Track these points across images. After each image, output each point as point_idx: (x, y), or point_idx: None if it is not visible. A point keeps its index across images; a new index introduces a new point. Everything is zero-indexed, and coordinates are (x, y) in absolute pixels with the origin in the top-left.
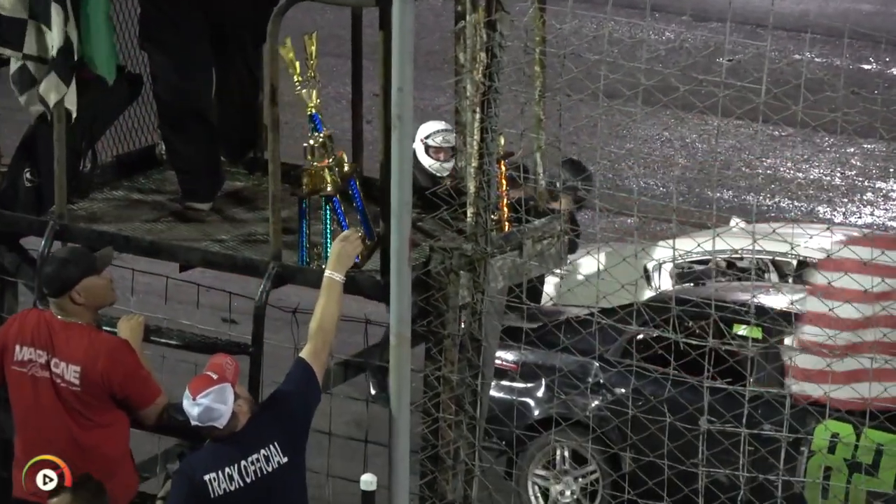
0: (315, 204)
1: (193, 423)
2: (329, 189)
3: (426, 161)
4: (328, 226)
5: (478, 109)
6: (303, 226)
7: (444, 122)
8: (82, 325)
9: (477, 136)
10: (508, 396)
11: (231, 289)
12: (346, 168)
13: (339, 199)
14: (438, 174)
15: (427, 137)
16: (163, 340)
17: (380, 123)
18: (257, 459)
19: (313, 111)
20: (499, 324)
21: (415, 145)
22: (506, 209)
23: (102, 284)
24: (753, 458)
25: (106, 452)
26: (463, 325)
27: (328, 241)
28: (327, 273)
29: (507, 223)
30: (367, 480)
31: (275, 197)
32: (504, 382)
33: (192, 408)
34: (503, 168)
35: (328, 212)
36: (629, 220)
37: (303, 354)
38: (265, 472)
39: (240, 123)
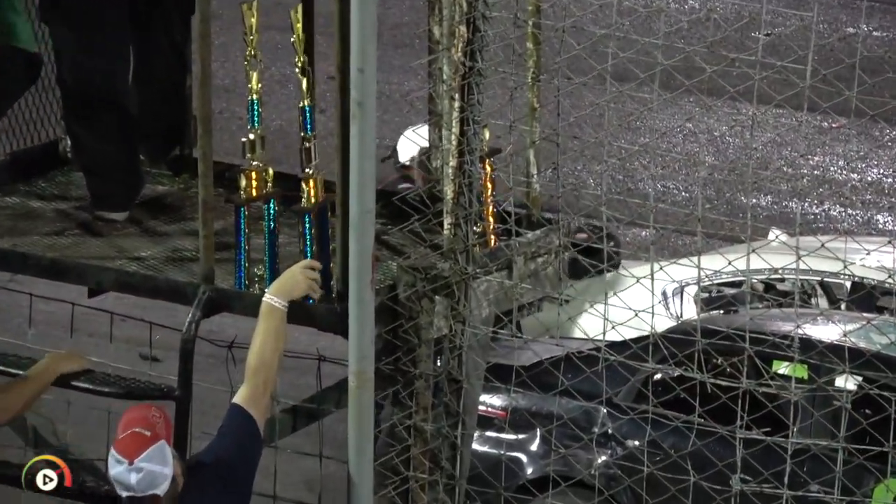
0: (255, 213)
1: (128, 494)
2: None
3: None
4: (310, 246)
5: (457, 96)
6: (241, 240)
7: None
8: None
9: (456, 129)
10: (495, 451)
11: (152, 318)
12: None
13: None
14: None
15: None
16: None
17: (336, 113)
18: None
19: (254, 98)
20: (483, 361)
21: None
22: (492, 219)
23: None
24: None
25: None
26: (439, 363)
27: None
28: (267, 297)
29: (493, 236)
30: None
31: (206, 204)
32: (490, 433)
33: (130, 475)
34: (489, 168)
35: (308, 226)
36: (644, 233)
37: (239, 400)
38: None
39: (163, 114)
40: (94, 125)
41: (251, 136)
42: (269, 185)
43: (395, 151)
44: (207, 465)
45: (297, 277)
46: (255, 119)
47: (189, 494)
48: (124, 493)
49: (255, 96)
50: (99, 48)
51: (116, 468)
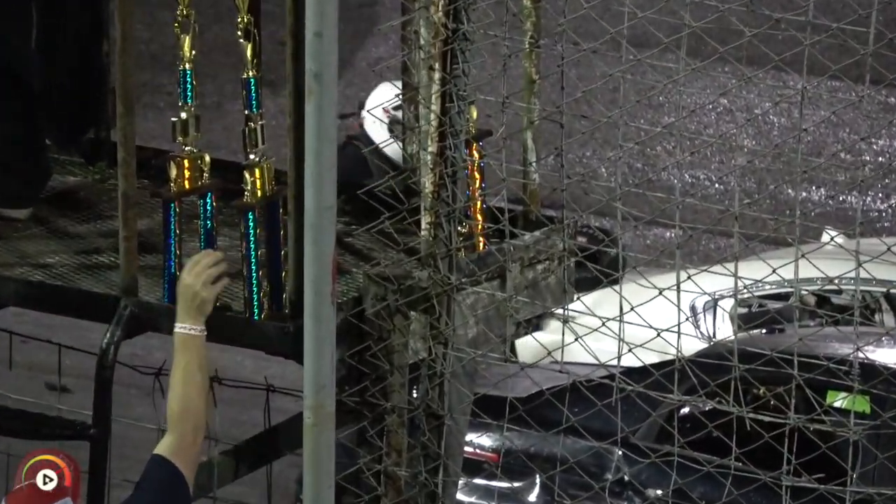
0: (189, 210)
1: None
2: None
3: (384, 139)
4: (253, 247)
5: (437, 65)
6: (170, 243)
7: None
8: None
9: (436, 107)
10: (485, 502)
11: (61, 340)
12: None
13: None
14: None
15: (389, 106)
16: None
17: (288, 86)
18: None
19: (186, 68)
20: (470, 392)
21: (367, 119)
22: (480, 217)
23: None
24: None
25: None
26: (415, 394)
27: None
28: (178, 328)
29: (481, 239)
30: None
31: (127, 199)
32: (478, 481)
33: None
34: (476, 155)
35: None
36: (668, 234)
37: (162, 450)
38: None
39: (73, 88)
40: None
41: (183, 115)
42: (206, 175)
43: (360, 107)
44: None
45: (197, 289)
46: (189, 94)
47: None
48: None
49: (187, 66)
50: None
51: None
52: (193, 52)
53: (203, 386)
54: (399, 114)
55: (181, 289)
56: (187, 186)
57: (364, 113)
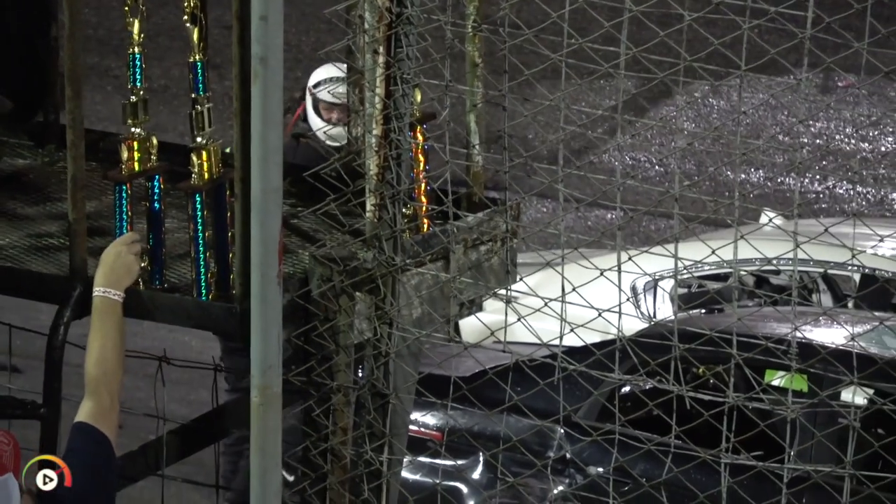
0: (138, 192)
1: None
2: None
3: (316, 122)
4: (200, 229)
5: (381, 49)
6: (122, 224)
7: (339, 67)
8: None
9: (381, 90)
10: (429, 480)
11: (11, 320)
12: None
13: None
14: (335, 142)
15: (315, 88)
16: None
17: (234, 69)
18: None
19: (136, 52)
20: (414, 371)
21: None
22: (424, 199)
23: None
24: None
25: None
26: (361, 374)
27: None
28: (98, 291)
29: (425, 220)
30: None
31: (76, 182)
32: (423, 459)
33: None
34: (420, 137)
35: (199, 208)
36: (609, 215)
37: (84, 417)
38: None
39: (21, 71)
40: None
41: (132, 98)
42: (154, 157)
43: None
44: (56, 497)
45: (127, 258)
46: (138, 77)
47: None
48: None
49: (136, 49)
50: None
51: None
52: (142, 36)
53: (120, 350)
54: (320, 94)
55: (106, 255)
56: (137, 168)
57: (307, 96)
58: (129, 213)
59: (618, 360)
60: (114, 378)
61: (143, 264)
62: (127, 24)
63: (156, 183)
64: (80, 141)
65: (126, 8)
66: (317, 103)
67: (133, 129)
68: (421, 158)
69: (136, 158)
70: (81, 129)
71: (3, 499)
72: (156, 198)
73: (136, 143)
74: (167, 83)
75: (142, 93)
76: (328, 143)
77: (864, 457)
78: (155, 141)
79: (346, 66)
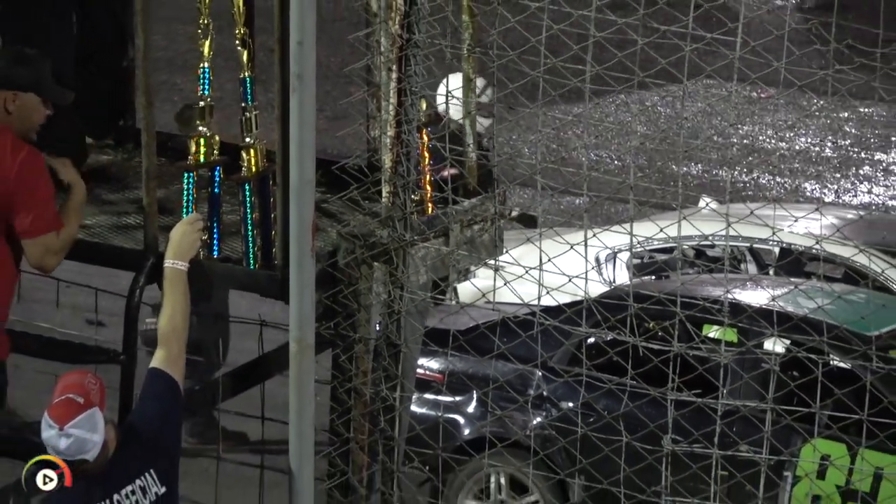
0: (201, 181)
1: (60, 456)
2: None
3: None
4: (249, 212)
5: (394, 67)
6: (189, 205)
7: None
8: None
9: (394, 100)
10: (433, 413)
11: (97, 285)
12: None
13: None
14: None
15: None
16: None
17: (276, 85)
18: (132, 492)
19: (205, 66)
20: (421, 326)
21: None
22: (429, 188)
23: (38, 110)
24: (728, 485)
25: None
26: (378, 328)
27: (250, 227)
28: (168, 263)
29: (430, 204)
30: None
31: (149, 173)
32: (428, 396)
33: (59, 440)
34: (425, 138)
35: (248, 195)
36: (578, 201)
37: (158, 364)
38: None
39: (105, 87)
40: None
41: (201, 104)
42: (216, 152)
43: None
44: (135, 428)
45: (192, 236)
46: (206, 87)
47: (121, 456)
48: (57, 455)
49: (206, 64)
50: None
51: (48, 432)
52: (211, 54)
53: (187, 311)
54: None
55: (174, 233)
56: (203, 160)
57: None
58: (195, 196)
59: (584, 317)
60: (182, 333)
61: (203, 237)
62: (198, 44)
63: (217, 173)
64: (152, 141)
65: (199, 30)
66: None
67: (200, 129)
68: (426, 155)
69: (201, 152)
70: (153, 132)
71: (91, 426)
72: (216, 184)
73: (202, 140)
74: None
75: (209, 100)
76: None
77: (781, 394)
78: (217, 138)
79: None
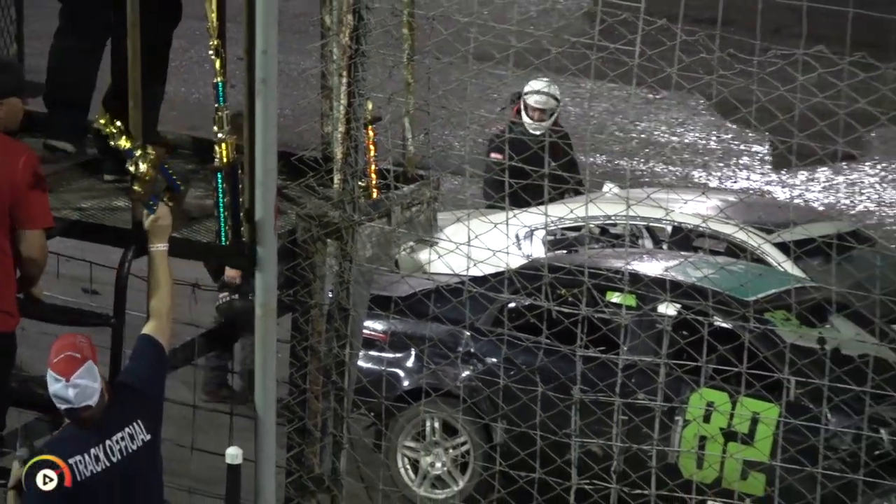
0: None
1: (67, 406)
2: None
3: (525, 119)
4: (221, 196)
5: (345, 73)
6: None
7: (546, 81)
8: None
9: (344, 101)
10: (377, 367)
11: (93, 258)
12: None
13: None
14: (535, 131)
15: (526, 95)
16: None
17: (244, 88)
18: (122, 438)
19: (219, 80)
20: (367, 293)
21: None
22: (374, 176)
23: (21, 109)
24: (627, 428)
25: None
26: (330, 295)
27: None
28: (151, 248)
29: (375, 190)
30: (233, 454)
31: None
32: (373, 353)
33: (68, 390)
34: (371, 133)
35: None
36: None
37: (149, 331)
38: (130, 451)
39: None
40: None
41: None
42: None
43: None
44: (127, 384)
45: (164, 222)
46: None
47: (114, 408)
48: (63, 406)
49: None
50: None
51: (55, 385)
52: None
53: (171, 285)
54: (528, 99)
55: (149, 224)
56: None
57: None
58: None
59: (506, 285)
60: (168, 305)
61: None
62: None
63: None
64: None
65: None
66: (526, 106)
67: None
68: (372, 148)
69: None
70: (139, 130)
71: (91, 376)
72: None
73: (224, 144)
74: (200, 97)
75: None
76: (532, 132)
77: (673, 351)
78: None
79: (547, 80)
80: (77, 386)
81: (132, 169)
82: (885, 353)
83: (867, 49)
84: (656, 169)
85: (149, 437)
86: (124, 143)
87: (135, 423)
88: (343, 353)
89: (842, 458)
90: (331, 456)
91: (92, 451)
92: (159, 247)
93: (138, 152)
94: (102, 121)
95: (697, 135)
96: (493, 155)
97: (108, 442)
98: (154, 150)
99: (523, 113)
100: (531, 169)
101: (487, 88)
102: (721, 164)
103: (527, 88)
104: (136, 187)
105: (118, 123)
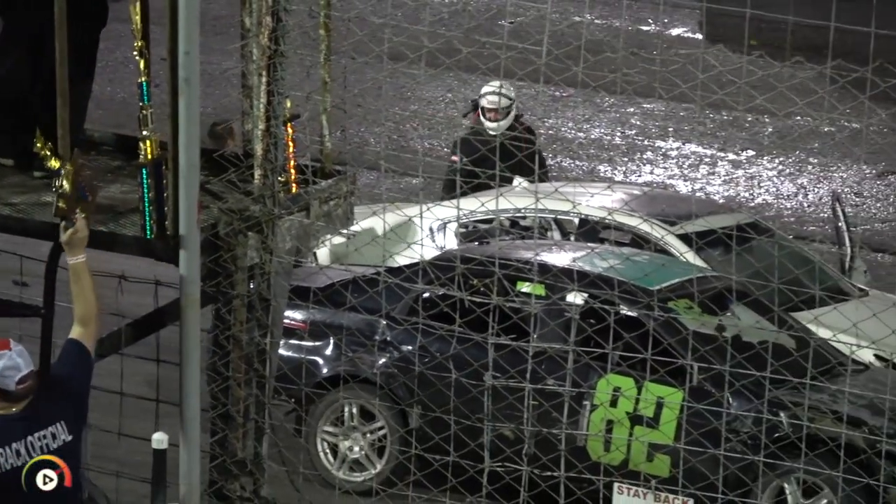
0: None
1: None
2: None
3: (483, 121)
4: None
5: (264, 73)
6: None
7: (497, 83)
8: None
9: (263, 99)
10: (297, 355)
11: (24, 252)
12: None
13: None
14: (493, 132)
15: (480, 98)
16: None
17: (168, 87)
18: (44, 436)
19: (144, 80)
20: (287, 284)
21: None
22: (293, 171)
23: None
24: (538, 413)
25: None
26: (252, 286)
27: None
28: (73, 261)
29: (294, 185)
30: (158, 439)
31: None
32: (293, 341)
33: (15, 359)
34: (290, 130)
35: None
36: (415, 181)
37: (76, 336)
38: (50, 449)
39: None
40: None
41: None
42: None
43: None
44: (54, 383)
45: (81, 235)
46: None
47: (40, 403)
48: (16, 377)
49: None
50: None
51: (3, 361)
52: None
53: (94, 291)
54: (482, 102)
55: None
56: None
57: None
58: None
59: (421, 276)
60: (93, 310)
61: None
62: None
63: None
64: (67, 135)
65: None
66: (482, 108)
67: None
68: (291, 144)
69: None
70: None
71: (22, 356)
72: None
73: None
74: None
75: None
76: (491, 133)
77: (581, 338)
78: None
79: (500, 82)
80: (21, 353)
81: (57, 186)
82: (783, 339)
83: (765, 48)
84: (564, 163)
85: (70, 437)
86: (53, 163)
87: (58, 424)
88: (264, 341)
89: (743, 441)
90: (253, 441)
91: (14, 445)
92: (80, 258)
93: (63, 171)
94: (39, 144)
95: (603, 131)
96: (453, 158)
97: (30, 438)
98: (70, 163)
99: (481, 116)
100: (481, 171)
101: (401, 87)
102: (626, 159)
103: (482, 91)
104: (60, 204)
105: (49, 145)
